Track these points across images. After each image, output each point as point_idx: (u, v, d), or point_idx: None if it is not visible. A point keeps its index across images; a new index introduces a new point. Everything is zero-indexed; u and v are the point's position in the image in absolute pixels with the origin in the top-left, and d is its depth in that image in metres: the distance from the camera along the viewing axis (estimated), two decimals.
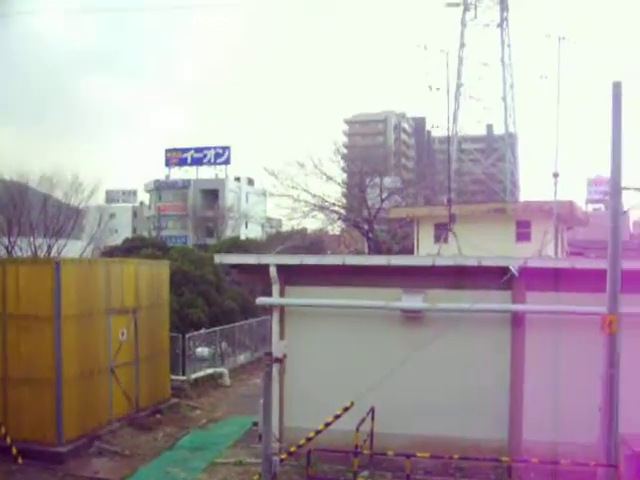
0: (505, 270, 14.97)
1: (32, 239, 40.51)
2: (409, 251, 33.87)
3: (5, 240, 40.88)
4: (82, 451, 16.41)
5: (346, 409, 14.07)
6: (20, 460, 15.40)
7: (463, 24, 49.59)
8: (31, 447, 15.68)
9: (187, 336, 24.22)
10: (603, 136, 12.21)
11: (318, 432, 13.53)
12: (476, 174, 52.90)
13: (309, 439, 13.42)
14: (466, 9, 49.47)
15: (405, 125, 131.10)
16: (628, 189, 11.63)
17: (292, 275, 16.59)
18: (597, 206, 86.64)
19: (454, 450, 13.23)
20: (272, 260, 16.88)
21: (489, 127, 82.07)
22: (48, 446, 15.88)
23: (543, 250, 22.10)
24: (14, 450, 15.47)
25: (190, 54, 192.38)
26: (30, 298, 16.41)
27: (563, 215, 26.06)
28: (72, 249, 42.31)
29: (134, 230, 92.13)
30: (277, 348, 13.78)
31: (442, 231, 24.14)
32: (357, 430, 13.31)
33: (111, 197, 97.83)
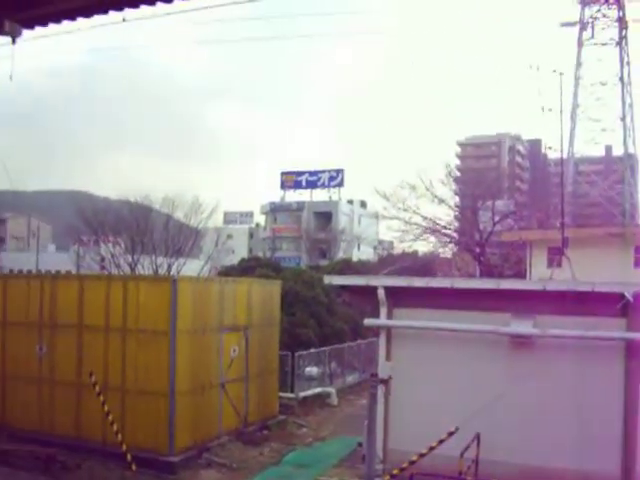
0: (620, 297, 14.46)
1: (154, 258, 42.59)
2: (521, 275, 33.15)
3: (129, 258, 43.27)
4: (192, 462, 16.96)
5: (451, 434, 13.91)
6: (134, 467, 15.86)
7: (580, 43, 48.17)
8: (144, 455, 16.17)
9: (297, 355, 24.66)
10: None
11: (422, 455, 13.43)
12: (593, 197, 50.95)
13: (412, 462, 13.35)
14: (582, 28, 48.08)
15: (520, 147, 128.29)
16: None
17: (400, 297, 16.57)
18: None
19: None
20: (380, 282, 16.93)
21: (608, 148, 78.99)
22: (160, 455, 16.55)
23: None
24: (129, 457, 15.86)
25: (307, 82, 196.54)
26: (148, 313, 17.25)
27: None
28: (191, 268, 44.16)
29: (250, 251, 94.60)
30: (383, 369, 13.89)
31: (555, 255, 23.57)
32: (461, 456, 13.14)
33: (229, 218, 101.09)
